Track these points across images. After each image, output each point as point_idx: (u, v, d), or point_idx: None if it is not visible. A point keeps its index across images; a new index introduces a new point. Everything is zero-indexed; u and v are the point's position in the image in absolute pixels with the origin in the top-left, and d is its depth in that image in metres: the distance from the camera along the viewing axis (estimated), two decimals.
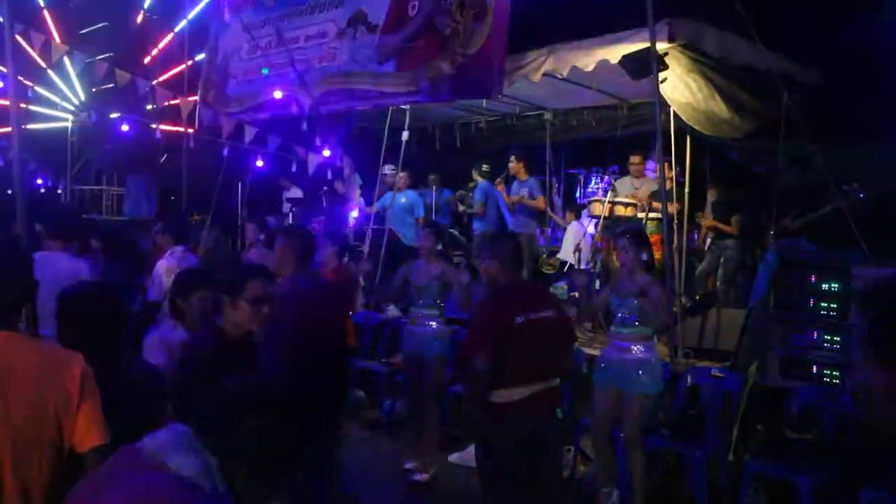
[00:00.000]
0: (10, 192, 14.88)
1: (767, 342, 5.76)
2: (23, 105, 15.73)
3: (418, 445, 6.00)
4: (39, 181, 15.46)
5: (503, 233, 7.83)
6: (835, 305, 5.41)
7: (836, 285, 5.40)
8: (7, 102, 14.99)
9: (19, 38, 12.57)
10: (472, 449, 6.33)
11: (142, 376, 2.95)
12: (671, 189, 7.54)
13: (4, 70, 10.32)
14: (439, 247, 6.12)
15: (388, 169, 9.58)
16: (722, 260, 8.13)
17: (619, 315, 5.10)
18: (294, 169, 9.87)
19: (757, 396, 5.33)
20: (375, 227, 9.47)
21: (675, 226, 7.42)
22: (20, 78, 11.17)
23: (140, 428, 1.89)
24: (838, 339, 5.35)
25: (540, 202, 9.29)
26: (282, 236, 4.75)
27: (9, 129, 15.79)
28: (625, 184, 8.71)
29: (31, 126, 15.89)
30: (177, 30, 16.87)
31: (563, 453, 4.30)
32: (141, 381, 2.89)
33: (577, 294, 8.63)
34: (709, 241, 8.45)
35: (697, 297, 7.37)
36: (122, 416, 2.49)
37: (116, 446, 2.08)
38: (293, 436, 1.77)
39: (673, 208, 7.36)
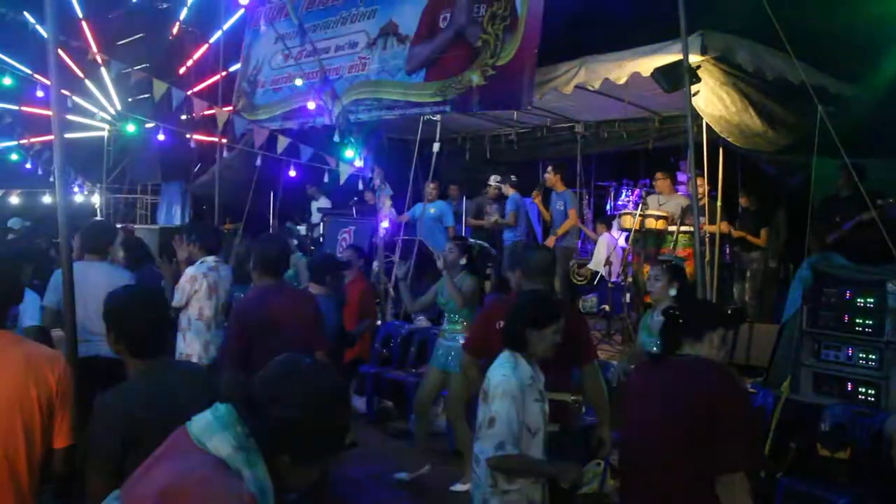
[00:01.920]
0: (47, 199, 15.26)
1: (800, 358, 5.69)
2: (65, 115, 16.05)
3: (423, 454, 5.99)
4: (76, 190, 15.74)
5: (533, 244, 7.81)
6: (870, 321, 5.32)
7: (872, 300, 5.33)
8: (45, 112, 15.35)
9: (60, 51, 12.90)
10: None
11: (188, 375, 3.02)
12: (704, 203, 7.49)
13: (45, 81, 10.59)
14: (463, 261, 6.10)
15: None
16: (748, 273, 8.04)
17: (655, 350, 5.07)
18: (325, 179, 9.96)
19: (789, 413, 5.26)
20: (406, 237, 9.51)
21: (706, 239, 7.37)
22: (61, 90, 11.44)
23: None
24: (874, 356, 5.27)
25: (572, 215, 9.26)
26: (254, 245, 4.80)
27: (48, 137, 16.16)
28: (654, 200, 8.66)
29: (68, 135, 16.22)
30: (211, 41, 17.13)
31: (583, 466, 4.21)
32: (189, 380, 2.96)
33: (606, 307, 8.62)
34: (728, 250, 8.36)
35: (729, 312, 7.28)
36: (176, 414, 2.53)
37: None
38: (334, 423, 1.79)
39: (709, 228, 7.30)
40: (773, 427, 5.18)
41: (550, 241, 9.13)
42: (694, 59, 6.11)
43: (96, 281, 5.23)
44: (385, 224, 9.32)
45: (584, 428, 4.47)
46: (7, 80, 9.46)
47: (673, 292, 4.98)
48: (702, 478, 2.75)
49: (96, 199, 15.71)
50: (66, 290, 3.84)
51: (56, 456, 2.58)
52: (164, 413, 2.56)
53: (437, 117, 8.73)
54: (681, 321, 2.98)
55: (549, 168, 9.52)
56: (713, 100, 6.65)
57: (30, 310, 4.93)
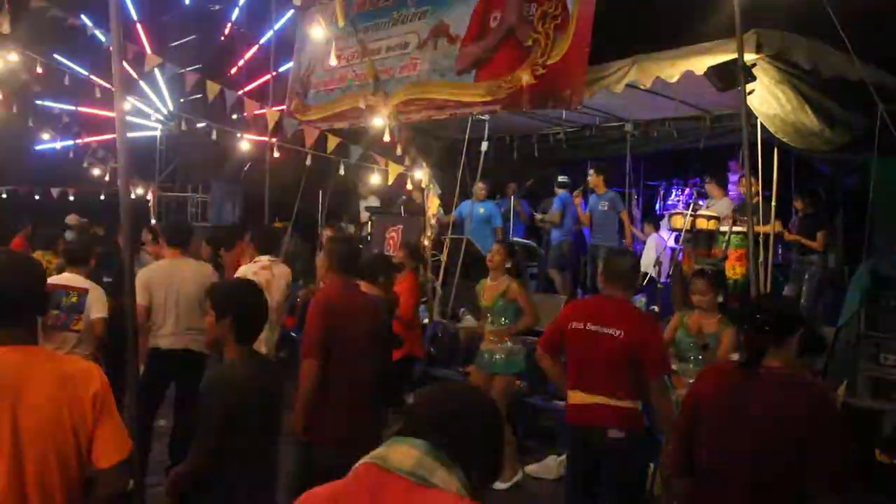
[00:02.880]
0: (102, 197, 15.62)
1: (857, 362, 5.58)
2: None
3: None
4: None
5: (623, 250, 7.76)
6: None
7: None
8: (102, 112, 15.70)
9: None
10: (550, 460, 6.38)
11: (266, 364, 3.67)
12: (757, 203, 7.37)
13: (101, 82, 10.84)
14: (508, 265, 6.10)
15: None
16: (807, 276, 7.90)
17: (692, 357, 5.06)
18: (374, 178, 10.04)
19: (846, 418, 5.17)
20: (454, 236, 9.53)
21: (760, 240, 7.24)
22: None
23: None
24: None
25: (624, 216, 9.21)
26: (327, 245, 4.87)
27: (103, 137, 16.54)
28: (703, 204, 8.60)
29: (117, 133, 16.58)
30: (262, 42, 17.38)
31: (634, 470, 4.24)
32: (268, 368, 3.50)
33: (656, 308, 8.53)
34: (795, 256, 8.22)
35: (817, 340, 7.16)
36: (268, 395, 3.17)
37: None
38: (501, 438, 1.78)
39: (761, 229, 7.19)
40: None
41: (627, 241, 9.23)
42: (749, 57, 5.99)
43: (186, 276, 5.42)
44: (433, 223, 9.37)
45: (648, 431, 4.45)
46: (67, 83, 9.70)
47: (720, 299, 4.96)
48: (790, 499, 2.76)
49: (149, 198, 16.03)
50: (126, 282, 3.95)
51: (105, 476, 2.36)
52: (261, 391, 3.16)
53: (486, 116, 8.73)
54: (766, 328, 2.91)
55: (591, 170, 9.50)
56: (768, 98, 6.53)
57: (97, 303, 5.10)
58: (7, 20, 6.28)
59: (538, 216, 10.23)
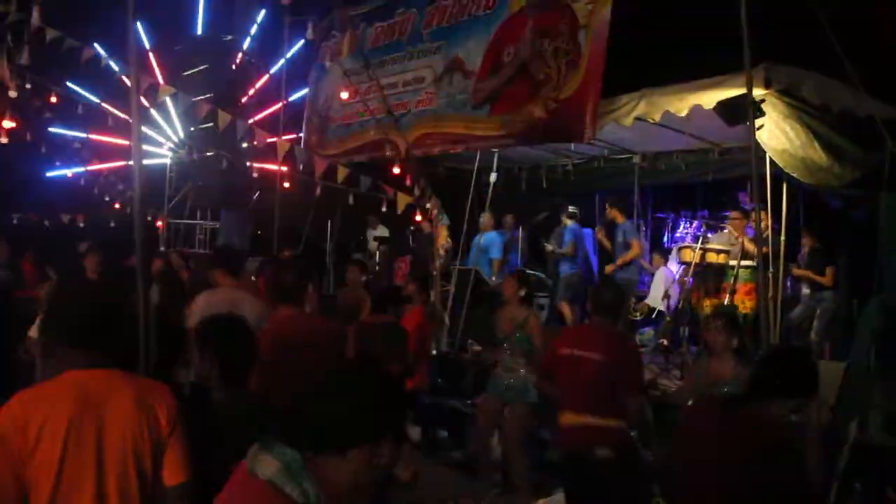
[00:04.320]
0: (112, 224, 15.70)
1: (869, 398, 5.54)
2: (129, 143, 16.55)
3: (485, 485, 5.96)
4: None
5: (605, 280, 7.78)
6: None
7: None
8: (113, 139, 15.81)
9: (126, 80, 13.35)
10: (558, 496, 6.31)
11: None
12: (768, 237, 7.37)
13: (113, 110, 10.96)
14: (522, 293, 6.09)
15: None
16: (818, 311, 7.86)
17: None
18: (383, 208, 10.07)
19: (857, 454, 5.11)
20: (461, 266, 9.54)
21: (769, 274, 7.23)
22: (128, 118, 11.85)
23: None
24: None
25: (634, 246, 9.16)
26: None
27: (115, 164, 16.65)
28: (722, 237, 8.54)
29: (133, 162, 16.71)
30: (272, 71, 17.53)
31: (626, 487, 4.30)
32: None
33: (664, 341, 8.51)
34: (806, 291, 8.19)
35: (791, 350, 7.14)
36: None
37: None
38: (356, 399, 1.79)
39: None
40: (840, 469, 5.04)
41: (609, 269, 9.10)
42: (758, 92, 6.03)
43: (245, 306, 5.21)
44: (442, 253, 9.38)
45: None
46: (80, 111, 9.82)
47: (734, 344, 4.93)
48: None
49: (159, 224, 16.08)
50: (141, 309, 3.95)
51: (169, 495, 2.43)
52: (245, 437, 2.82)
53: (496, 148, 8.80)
54: (777, 381, 2.95)
55: (608, 203, 9.47)
56: (777, 133, 6.56)
57: None
58: (27, 52, 6.37)
59: (548, 247, 10.20)
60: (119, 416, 2.35)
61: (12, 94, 7.78)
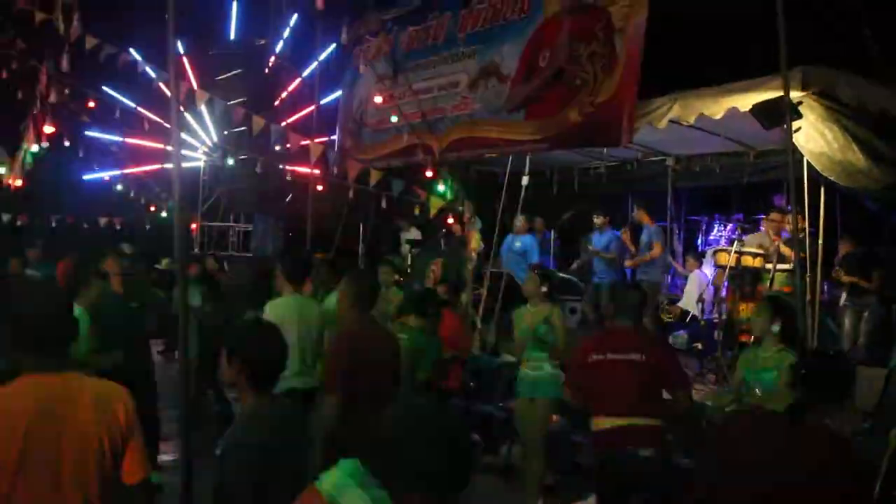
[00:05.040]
0: (147, 226, 15.93)
1: None
2: (164, 146, 16.80)
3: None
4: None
5: (625, 283, 7.73)
6: None
7: None
8: (148, 143, 16.02)
9: (163, 86, 13.55)
10: (592, 501, 6.27)
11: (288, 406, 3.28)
12: (804, 240, 7.28)
13: (149, 115, 11.12)
14: (544, 289, 6.06)
15: None
16: (866, 315, 7.73)
17: (757, 391, 4.90)
18: (416, 212, 10.10)
19: None
20: (493, 269, 9.54)
21: (807, 279, 7.14)
22: (163, 122, 12.02)
23: None
24: None
25: (656, 248, 9.11)
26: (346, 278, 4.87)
27: (151, 167, 16.89)
28: (756, 238, 8.43)
29: (168, 166, 17.00)
30: (304, 74, 17.69)
31: (666, 488, 4.28)
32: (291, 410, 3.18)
33: (699, 345, 8.42)
34: (844, 296, 8.06)
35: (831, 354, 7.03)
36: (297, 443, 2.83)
37: None
38: (456, 458, 1.78)
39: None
40: (881, 476, 4.97)
41: (629, 264, 9.06)
42: (794, 94, 5.96)
43: (312, 316, 5.29)
44: (473, 256, 9.39)
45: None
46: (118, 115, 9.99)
47: (776, 328, 4.79)
48: None
49: (192, 227, 16.30)
50: (182, 316, 4.04)
51: (131, 493, 2.47)
52: (289, 442, 2.78)
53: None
54: (819, 384, 2.88)
55: (635, 205, 9.44)
56: (814, 136, 6.48)
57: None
58: (67, 59, 6.51)
59: (590, 247, 9.96)
60: (77, 418, 2.37)
61: (53, 99, 7.94)
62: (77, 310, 5.52)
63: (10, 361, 2.49)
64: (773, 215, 8.28)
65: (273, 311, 5.15)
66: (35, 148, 10.07)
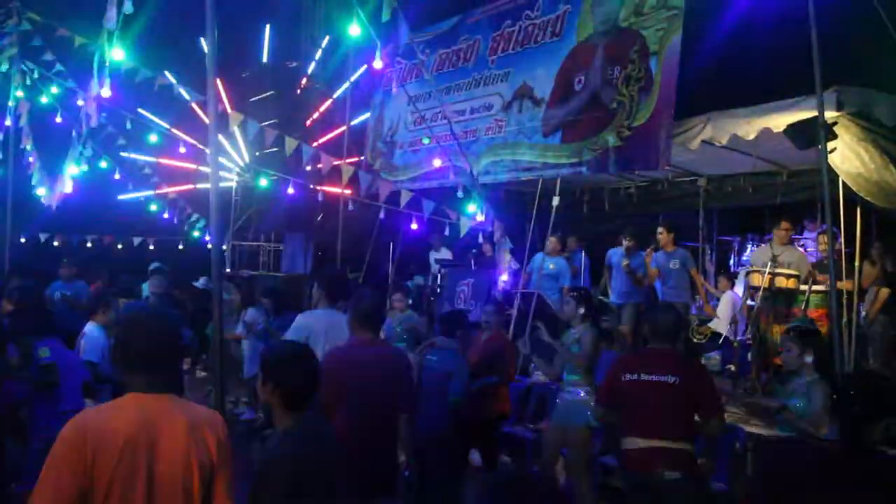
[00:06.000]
0: (180, 246, 16.14)
1: None
2: (197, 167, 17.05)
3: None
4: (207, 237, 16.58)
5: (661, 305, 7.59)
6: None
7: None
8: (182, 164, 16.25)
9: (196, 108, 13.80)
10: None
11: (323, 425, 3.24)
12: (838, 261, 7.18)
13: (182, 136, 11.30)
14: (581, 311, 6.02)
15: None
16: None
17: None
18: (446, 232, 10.14)
19: None
20: (524, 290, 9.51)
21: (843, 300, 7.05)
22: (196, 143, 12.21)
23: None
24: None
25: (694, 274, 8.90)
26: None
27: (184, 187, 17.12)
28: (763, 252, 8.18)
29: (201, 185, 17.23)
30: (335, 95, 17.88)
31: None
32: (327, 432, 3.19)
33: (732, 367, 8.31)
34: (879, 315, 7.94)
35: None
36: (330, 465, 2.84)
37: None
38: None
39: (844, 286, 6.96)
40: None
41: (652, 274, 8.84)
42: (829, 114, 5.93)
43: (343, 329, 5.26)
44: (504, 277, 9.38)
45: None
46: (153, 138, 10.19)
47: (809, 359, 4.73)
48: None
49: (224, 247, 16.46)
50: (217, 330, 4.10)
51: None
52: (321, 457, 2.85)
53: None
54: (864, 411, 2.77)
55: (661, 227, 9.05)
56: (850, 156, 6.43)
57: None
58: (108, 85, 6.66)
59: (625, 262, 9.79)
60: (171, 440, 2.41)
61: (94, 123, 8.12)
62: (95, 328, 5.67)
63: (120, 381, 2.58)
64: (784, 225, 8.08)
65: (304, 319, 5.20)
66: (75, 170, 10.28)
